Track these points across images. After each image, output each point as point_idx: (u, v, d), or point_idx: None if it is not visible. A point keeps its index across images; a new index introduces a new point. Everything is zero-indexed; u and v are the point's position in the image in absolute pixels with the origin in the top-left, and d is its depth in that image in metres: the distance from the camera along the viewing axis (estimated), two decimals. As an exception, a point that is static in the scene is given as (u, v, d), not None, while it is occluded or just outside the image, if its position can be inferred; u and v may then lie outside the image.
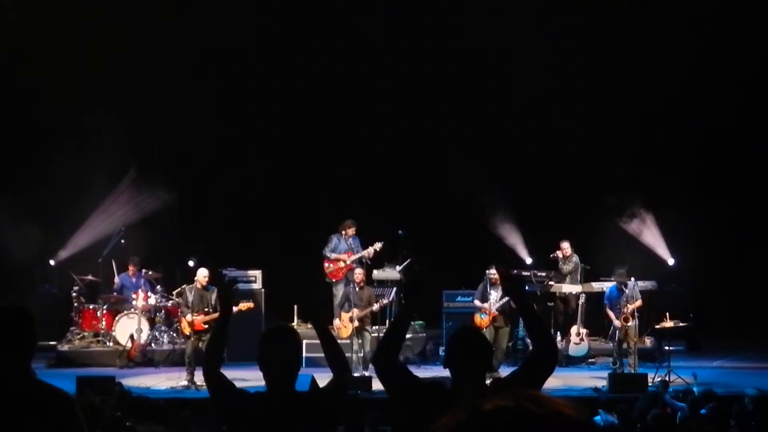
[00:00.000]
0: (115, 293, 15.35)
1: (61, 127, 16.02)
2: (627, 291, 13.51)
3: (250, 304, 13.04)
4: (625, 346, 13.44)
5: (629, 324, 13.31)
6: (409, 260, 15.24)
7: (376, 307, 13.77)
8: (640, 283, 14.04)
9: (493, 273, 13.82)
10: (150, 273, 15.42)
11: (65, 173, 15.34)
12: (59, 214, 15.83)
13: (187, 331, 12.95)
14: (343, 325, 13.60)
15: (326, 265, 15.15)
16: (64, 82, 15.29)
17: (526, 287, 14.58)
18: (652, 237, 16.22)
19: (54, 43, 15.23)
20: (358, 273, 13.95)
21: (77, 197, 15.78)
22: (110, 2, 16.47)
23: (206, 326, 12.77)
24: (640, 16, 16.62)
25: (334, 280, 15.15)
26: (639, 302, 13.56)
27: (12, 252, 15.29)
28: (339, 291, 14.90)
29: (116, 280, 15.46)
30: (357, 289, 13.72)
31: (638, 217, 16.32)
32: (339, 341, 4.60)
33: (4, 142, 16.27)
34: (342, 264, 15.04)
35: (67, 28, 15.36)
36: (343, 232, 15.17)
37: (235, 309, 12.73)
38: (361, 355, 13.41)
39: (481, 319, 13.67)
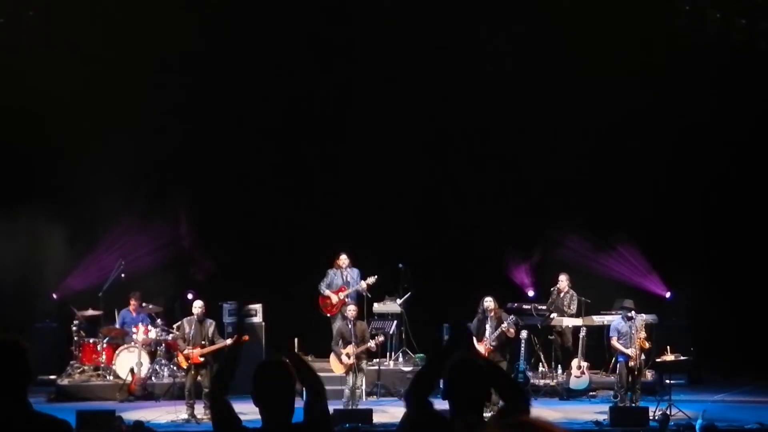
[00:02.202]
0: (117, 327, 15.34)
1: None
2: (636, 321, 13.39)
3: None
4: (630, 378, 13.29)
5: (646, 346, 13.21)
6: (409, 293, 15.24)
7: (372, 345, 13.71)
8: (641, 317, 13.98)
9: (487, 304, 13.75)
10: (150, 307, 15.43)
11: (72, 206, 15.41)
12: (65, 247, 15.86)
13: (184, 365, 12.98)
14: (339, 361, 13.51)
15: (321, 300, 15.22)
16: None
17: (528, 320, 14.47)
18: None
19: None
20: (351, 309, 13.89)
21: (83, 232, 15.81)
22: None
23: (203, 359, 12.78)
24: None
25: (330, 315, 15.21)
26: (643, 334, 13.48)
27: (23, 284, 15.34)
28: (335, 326, 14.89)
29: (117, 317, 15.43)
30: (350, 325, 13.65)
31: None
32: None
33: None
34: (335, 299, 15.07)
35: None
36: (337, 263, 15.23)
37: (229, 341, 12.76)
38: (358, 391, 13.38)
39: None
